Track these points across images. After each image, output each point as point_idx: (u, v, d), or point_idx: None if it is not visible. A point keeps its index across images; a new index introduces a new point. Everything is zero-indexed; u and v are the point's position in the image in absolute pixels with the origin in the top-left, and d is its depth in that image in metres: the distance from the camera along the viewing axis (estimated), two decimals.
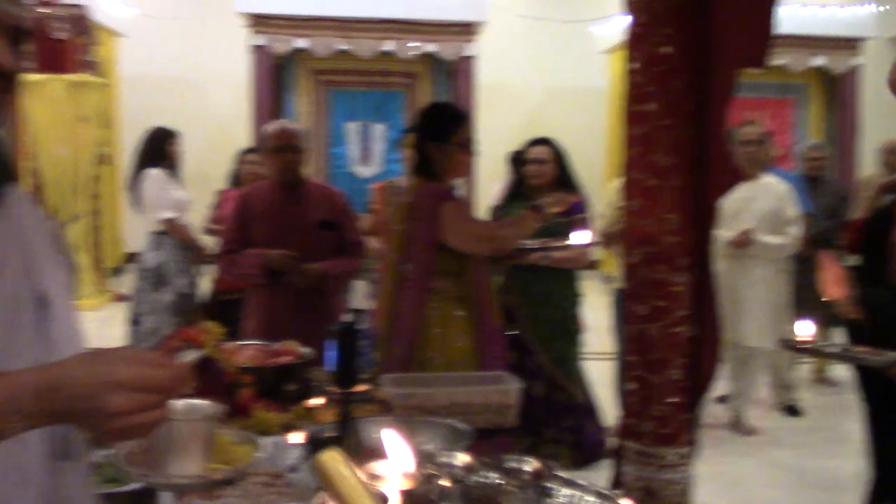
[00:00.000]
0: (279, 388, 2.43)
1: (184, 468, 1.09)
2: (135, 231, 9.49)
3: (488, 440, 2.15)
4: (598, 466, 4.17)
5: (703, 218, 3.10)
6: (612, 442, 3.86)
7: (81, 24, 9.08)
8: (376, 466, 0.85)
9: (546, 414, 4.21)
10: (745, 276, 4.54)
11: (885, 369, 2.70)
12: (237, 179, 5.84)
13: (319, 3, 9.32)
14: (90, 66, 9.21)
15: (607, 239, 4.34)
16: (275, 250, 3.39)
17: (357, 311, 1.57)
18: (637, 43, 3.09)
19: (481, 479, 0.93)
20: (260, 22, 9.35)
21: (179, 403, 1.09)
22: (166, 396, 0.92)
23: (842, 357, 3.30)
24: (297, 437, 1.83)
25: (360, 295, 1.42)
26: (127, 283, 9.83)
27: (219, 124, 11.05)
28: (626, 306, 3.19)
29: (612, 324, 4.61)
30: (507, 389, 2.24)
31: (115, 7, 10.26)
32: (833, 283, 3.15)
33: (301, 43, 9.38)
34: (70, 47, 9.08)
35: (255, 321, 3.44)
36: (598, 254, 5.72)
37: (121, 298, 9.17)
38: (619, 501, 0.89)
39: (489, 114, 10.23)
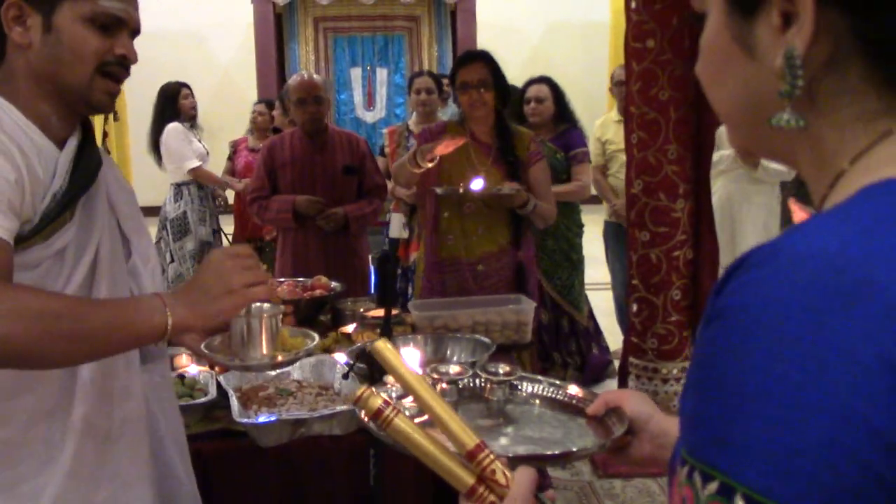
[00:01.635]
0: (315, 318, 2.68)
1: (256, 354, 1.38)
2: (145, 184, 9.72)
3: (507, 353, 2.38)
4: (604, 386, 4.44)
5: (701, 148, 3.29)
6: (616, 363, 4.12)
7: None
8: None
9: (553, 339, 4.46)
10: (745, 201, 4.71)
11: None
12: (250, 129, 6.07)
13: None
14: None
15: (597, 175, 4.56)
16: (301, 195, 3.59)
17: (392, 241, 1.78)
18: None
19: (469, 381, 1.21)
20: None
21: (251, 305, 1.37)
22: (256, 265, 1.29)
23: None
24: (339, 356, 2.07)
25: (397, 226, 1.59)
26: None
27: (224, 76, 11.17)
28: (629, 233, 3.41)
29: (606, 255, 4.84)
30: (522, 309, 2.47)
31: None
32: (800, 210, 3.34)
33: None
34: None
35: (288, 260, 3.67)
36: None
37: None
38: (568, 387, 1.17)
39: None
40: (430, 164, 2.95)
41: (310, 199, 3.58)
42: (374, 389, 0.87)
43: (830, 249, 0.51)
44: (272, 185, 3.73)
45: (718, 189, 4.31)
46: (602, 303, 5.16)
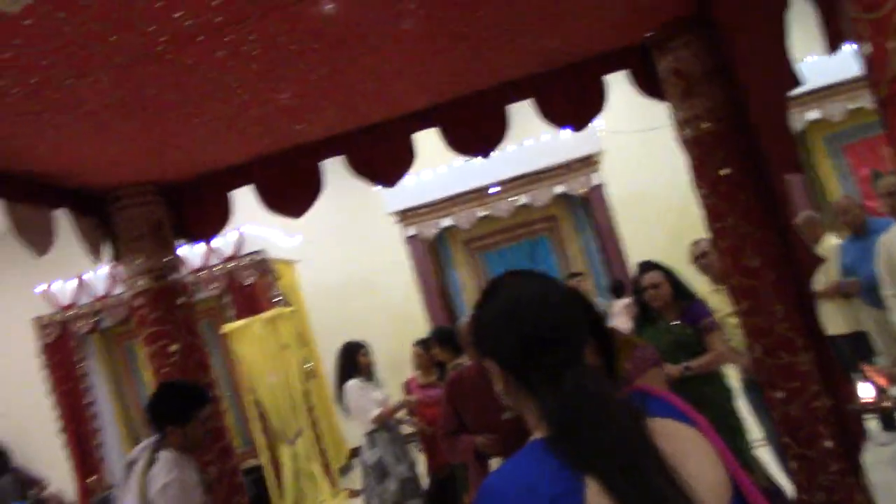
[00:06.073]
0: None
1: None
2: (354, 429, 10.43)
3: None
4: None
5: (803, 301, 3.45)
6: None
7: (263, 266, 10.44)
8: None
9: None
10: None
11: None
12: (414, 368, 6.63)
13: (454, 183, 10.27)
14: (278, 298, 10.47)
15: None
16: (480, 437, 3.85)
17: None
18: (699, 171, 3.60)
19: None
20: (408, 216, 10.41)
21: None
22: None
23: None
24: None
25: None
26: (358, 477, 10.67)
27: (397, 314, 12.06)
28: (765, 395, 3.53)
29: (750, 410, 4.87)
30: None
31: (285, 240, 11.68)
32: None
33: (447, 221, 10.32)
34: (259, 288, 10.43)
35: (475, 492, 3.96)
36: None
37: (354, 494, 10.00)
38: None
39: (630, 228, 10.68)
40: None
41: (488, 440, 3.80)
42: None
43: (487, 479, 1.33)
44: (458, 419, 4.01)
45: None
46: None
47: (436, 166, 10.45)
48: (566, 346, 1.35)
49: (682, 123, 3.54)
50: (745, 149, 3.43)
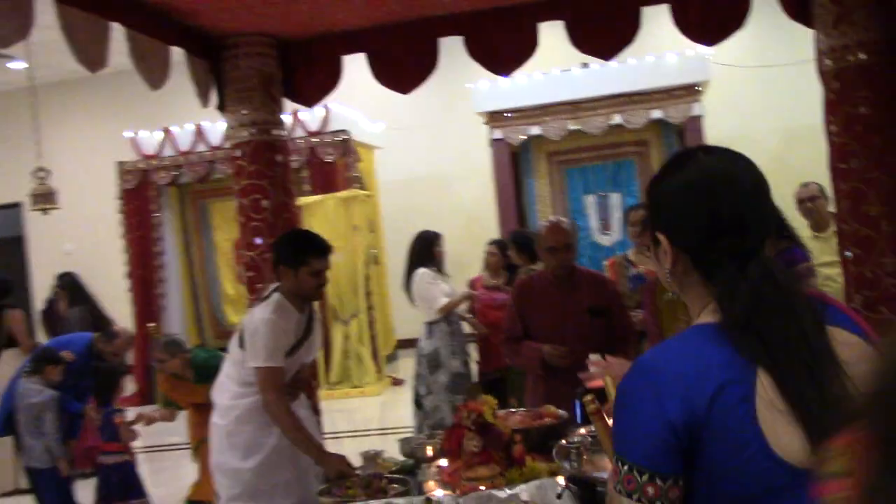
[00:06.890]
0: (546, 444, 2.96)
1: None
2: (404, 321, 10.56)
3: None
4: None
5: None
6: None
7: (345, 146, 10.44)
8: None
9: None
10: None
11: None
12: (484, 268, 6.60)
13: (548, 91, 10.02)
14: (355, 181, 10.51)
15: None
16: (547, 345, 3.66)
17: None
18: (833, 107, 3.41)
19: None
20: (496, 118, 10.23)
21: None
22: None
23: None
24: (560, 478, 2.36)
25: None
26: (401, 368, 10.88)
27: (468, 215, 12.02)
28: None
29: None
30: None
31: (369, 125, 11.64)
32: None
33: (535, 130, 10.12)
34: (338, 168, 10.46)
35: (535, 397, 3.78)
36: None
37: (397, 382, 10.22)
38: None
39: None
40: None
41: (556, 351, 3.62)
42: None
43: (644, 356, 1.28)
44: (524, 324, 3.86)
45: None
46: None
47: (531, 72, 10.19)
48: (755, 232, 1.28)
49: (825, 53, 3.34)
50: (892, 90, 3.23)
